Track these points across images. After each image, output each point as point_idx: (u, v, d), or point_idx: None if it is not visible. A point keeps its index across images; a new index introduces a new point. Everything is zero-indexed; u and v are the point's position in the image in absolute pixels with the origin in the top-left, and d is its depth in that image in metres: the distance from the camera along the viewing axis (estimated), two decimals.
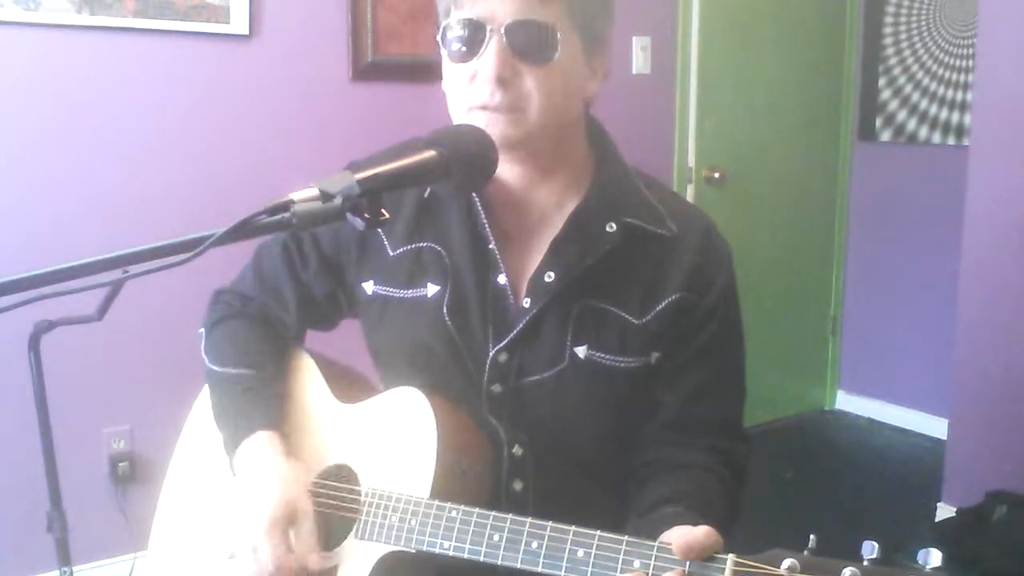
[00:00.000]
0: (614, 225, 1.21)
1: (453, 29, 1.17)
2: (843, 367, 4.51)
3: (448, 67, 1.20)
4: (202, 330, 1.41)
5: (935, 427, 3.86)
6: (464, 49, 1.16)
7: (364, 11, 3.01)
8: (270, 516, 1.15)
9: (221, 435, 1.30)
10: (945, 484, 3.23)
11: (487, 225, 1.23)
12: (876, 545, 0.89)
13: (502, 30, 1.13)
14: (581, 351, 1.21)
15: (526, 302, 1.21)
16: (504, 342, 1.21)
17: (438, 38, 1.20)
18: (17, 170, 2.59)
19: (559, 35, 1.15)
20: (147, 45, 2.70)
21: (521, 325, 1.21)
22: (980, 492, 3.00)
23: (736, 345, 1.29)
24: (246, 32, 2.82)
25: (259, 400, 1.28)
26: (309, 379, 1.35)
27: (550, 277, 1.21)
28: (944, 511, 3.20)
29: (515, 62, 1.14)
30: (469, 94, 1.16)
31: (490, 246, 1.23)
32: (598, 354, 1.21)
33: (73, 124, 2.64)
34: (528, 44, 1.14)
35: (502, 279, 1.23)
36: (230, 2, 2.77)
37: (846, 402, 4.50)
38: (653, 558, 0.96)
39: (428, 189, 1.27)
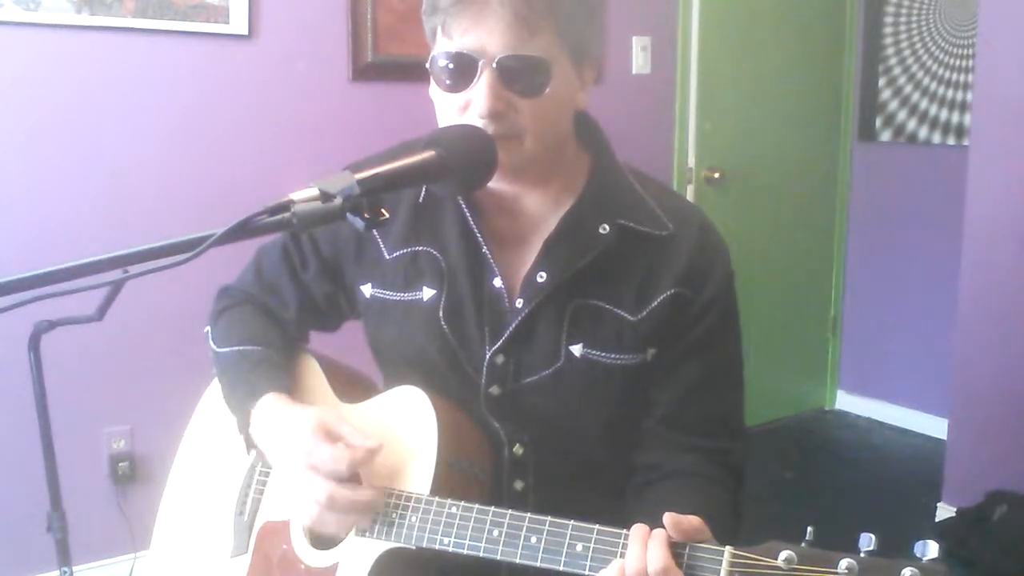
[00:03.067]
0: (607, 227, 1.21)
1: (442, 61, 1.14)
2: (843, 367, 4.51)
3: (438, 93, 1.18)
4: (208, 328, 1.41)
5: (935, 427, 3.86)
6: (454, 82, 1.14)
7: (364, 11, 3.01)
8: (311, 431, 1.14)
9: (234, 418, 1.28)
10: (945, 484, 3.23)
11: (477, 231, 1.23)
12: (873, 537, 0.89)
13: (494, 64, 1.11)
14: (577, 349, 1.21)
15: (519, 303, 1.21)
16: (499, 343, 1.22)
17: (427, 66, 1.17)
18: (17, 170, 2.59)
19: (552, 67, 1.13)
20: (147, 45, 2.70)
21: (514, 325, 1.21)
22: (980, 492, 3.01)
23: (733, 341, 1.29)
24: (246, 32, 2.82)
25: (265, 372, 1.28)
26: (312, 379, 1.35)
27: (542, 277, 1.21)
28: (944, 511, 3.21)
29: (508, 95, 1.12)
30: (461, 122, 1.14)
31: (483, 250, 1.23)
32: (594, 352, 1.21)
33: (73, 124, 2.64)
34: (521, 78, 1.12)
35: (497, 282, 1.23)
36: (230, 2, 2.77)
37: (846, 402, 4.49)
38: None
39: (423, 193, 1.27)
